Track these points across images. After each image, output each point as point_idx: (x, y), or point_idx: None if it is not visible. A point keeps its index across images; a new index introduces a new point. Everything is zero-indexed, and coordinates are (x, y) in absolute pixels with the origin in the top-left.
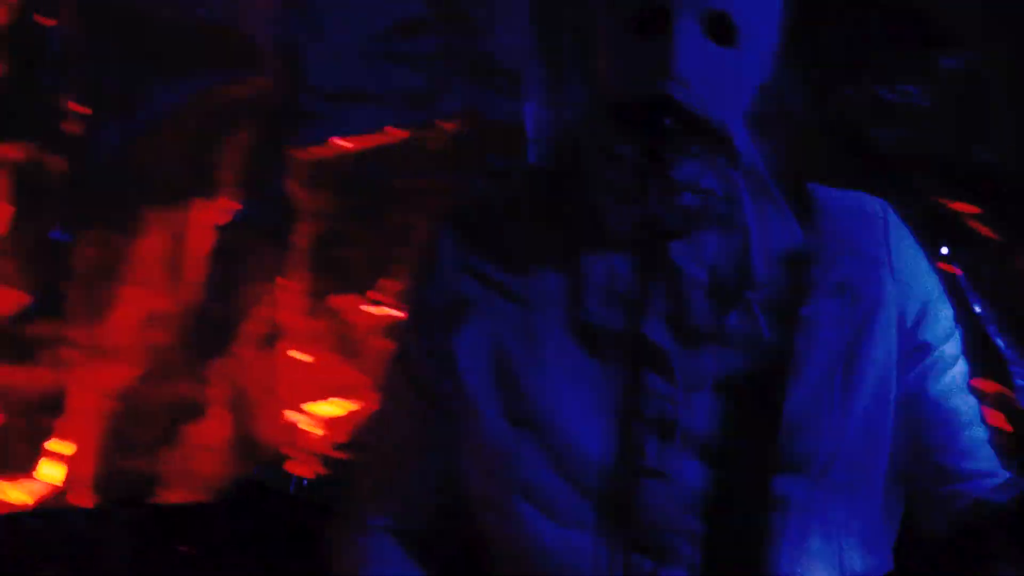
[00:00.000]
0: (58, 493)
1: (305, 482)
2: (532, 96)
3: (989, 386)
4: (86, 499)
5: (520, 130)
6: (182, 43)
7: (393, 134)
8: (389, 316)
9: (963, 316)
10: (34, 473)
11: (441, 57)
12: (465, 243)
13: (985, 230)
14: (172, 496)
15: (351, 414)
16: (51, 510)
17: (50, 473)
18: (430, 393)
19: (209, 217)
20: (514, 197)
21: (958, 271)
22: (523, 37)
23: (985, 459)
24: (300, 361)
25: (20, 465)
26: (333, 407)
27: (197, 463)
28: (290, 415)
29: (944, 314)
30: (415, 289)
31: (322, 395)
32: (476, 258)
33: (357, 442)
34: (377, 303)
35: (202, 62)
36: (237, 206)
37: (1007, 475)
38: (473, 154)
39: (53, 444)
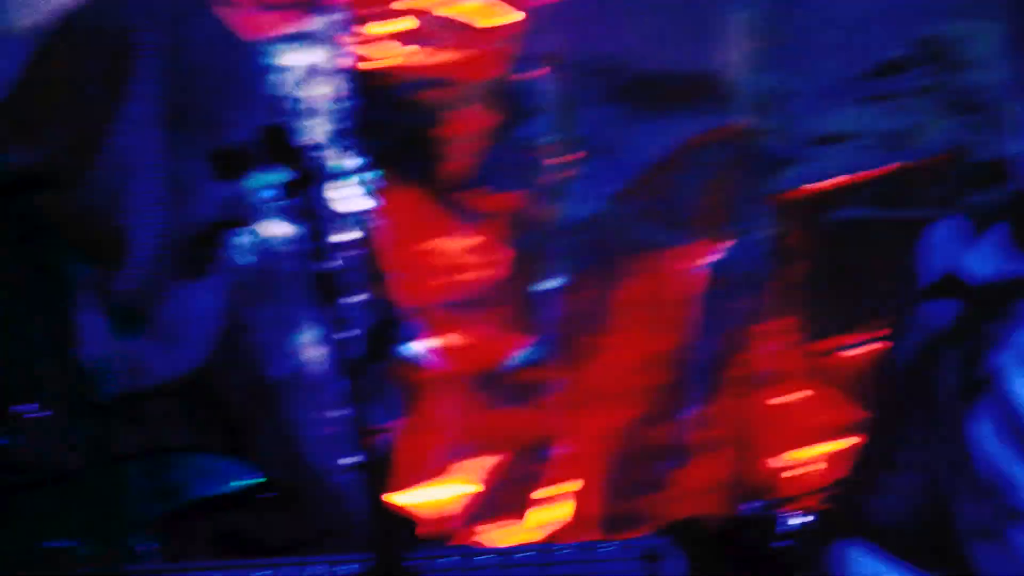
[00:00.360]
0: (556, 535)
1: (795, 526)
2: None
3: None
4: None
5: (1006, 164)
6: (664, 90)
7: (873, 174)
8: (872, 354)
9: None
10: (534, 516)
11: (922, 95)
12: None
13: None
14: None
15: (839, 456)
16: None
17: (550, 515)
18: None
19: (692, 262)
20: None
21: None
22: (1007, 70)
23: None
24: (785, 403)
25: (519, 508)
26: (822, 449)
27: (687, 507)
28: (778, 458)
29: None
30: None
31: (810, 437)
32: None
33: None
34: (859, 343)
35: (683, 108)
36: (719, 250)
37: None
38: (955, 191)
39: (553, 487)
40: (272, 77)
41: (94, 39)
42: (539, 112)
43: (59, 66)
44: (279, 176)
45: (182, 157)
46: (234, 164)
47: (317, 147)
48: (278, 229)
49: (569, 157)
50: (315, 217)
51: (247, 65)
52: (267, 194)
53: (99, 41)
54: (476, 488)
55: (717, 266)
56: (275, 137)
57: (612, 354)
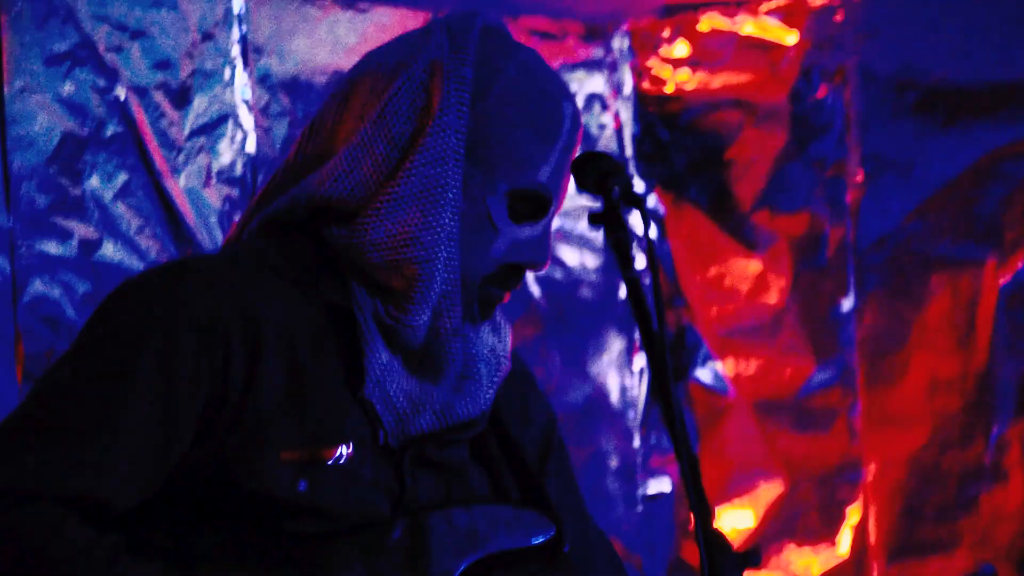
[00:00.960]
0: (853, 563)
1: None
2: None
3: None
4: (881, 567)
5: None
6: (964, 101)
7: None
8: None
9: None
10: (829, 543)
11: None
12: None
13: None
14: (965, 566)
15: None
16: None
17: (844, 543)
18: None
19: (995, 278)
20: None
21: None
22: None
23: None
24: None
25: (815, 535)
26: None
27: (993, 531)
28: None
29: None
30: None
31: None
32: None
33: None
34: None
35: (988, 119)
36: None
37: None
38: None
39: (846, 514)
40: (575, 112)
41: (401, 72)
42: (831, 129)
43: (362, 98)
44: (589, 204)
45: (482, 195)
46: (534, 205)
47: (625, 176)
48: (573, 259)
49: (863, 175)
50: (623, 246)
51: (554, 102)
52: (570, 224)
53: (406, 73)
54: (770, 513)
55: (1020, 281)
56: (587, 166)
57: (911, 376)
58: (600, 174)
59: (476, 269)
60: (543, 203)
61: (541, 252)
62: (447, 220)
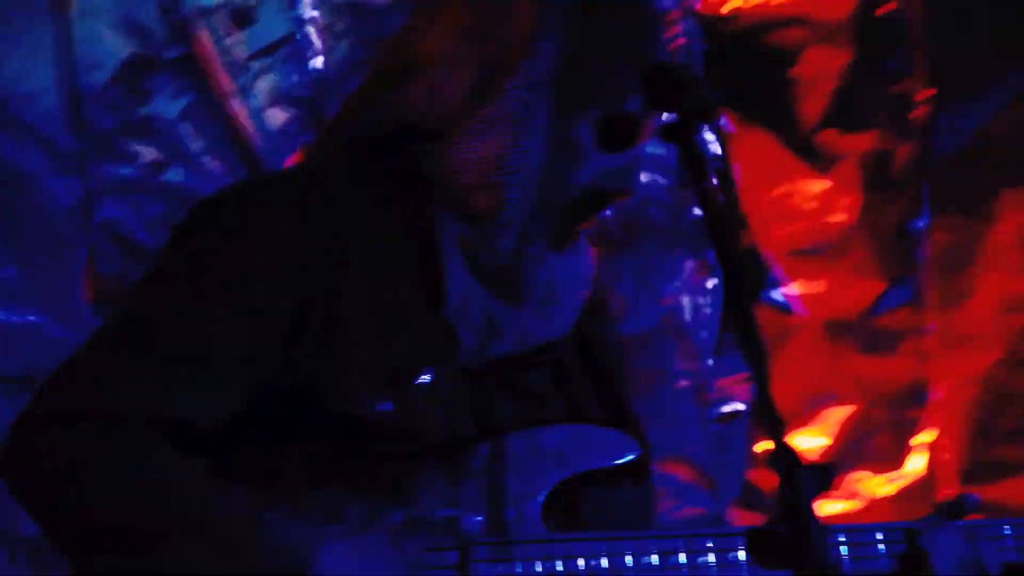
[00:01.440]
0: (925, 485)
1: None
2: None
3: None
4: (952, 490)
5: None
6: None
7: None
8: None
9: None
10: (900, 465)
11: None
12: None
13: None
14: None
15: None
16: None
17: (916, 464)
18: None
19: None
20: None
21: None
22: None
23: None
24: None
25: (885, 457)
26: None
27: None
28: None
29: None
30: None
31: None
32: None
33: None
34: None
35: None
36: None
37: None
38: None
39: (918, 435)
40: (673, 38)
41: None
42: (898, 45)
43: (452, 16)
44: (660, 119)
45: (572, 121)
46: (624, 134)
47: (700, 87)
48: (644, 178)
49: (931, 92)
50: (698, 158)
51: (650, 29)
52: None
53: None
54: (840, 435)
55: None
56: (660, 77)
57: (982, 295)
58: (672, 86)
59: (562, 195)
60: (633, 132)
61: (628, 181)
62: (537, 145)
